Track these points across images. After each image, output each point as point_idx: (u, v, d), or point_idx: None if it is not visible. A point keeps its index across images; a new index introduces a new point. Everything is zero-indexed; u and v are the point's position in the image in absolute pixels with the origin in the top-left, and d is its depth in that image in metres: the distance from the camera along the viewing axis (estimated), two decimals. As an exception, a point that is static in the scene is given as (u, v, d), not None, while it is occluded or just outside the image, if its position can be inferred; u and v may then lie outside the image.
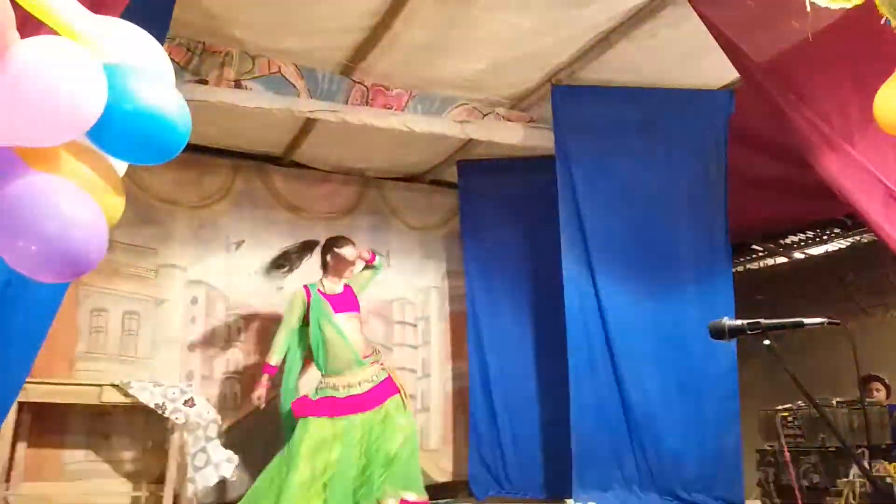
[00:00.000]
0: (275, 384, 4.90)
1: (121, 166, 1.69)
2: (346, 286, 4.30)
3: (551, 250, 4.49)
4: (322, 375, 4.09)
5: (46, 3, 1.55)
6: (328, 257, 4.27)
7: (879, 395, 4.65)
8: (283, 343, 4.13)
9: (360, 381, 3.99)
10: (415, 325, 5.58)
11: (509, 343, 5.23)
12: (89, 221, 1.44)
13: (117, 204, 1.60)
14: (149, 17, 2.23)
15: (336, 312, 4.11)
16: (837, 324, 2.02)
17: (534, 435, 5.06)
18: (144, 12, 2.28)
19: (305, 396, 4.01)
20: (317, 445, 3.74)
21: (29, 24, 1.53)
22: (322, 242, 4.44)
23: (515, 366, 5.18)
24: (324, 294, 4.17)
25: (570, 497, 4.17)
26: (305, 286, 4.23)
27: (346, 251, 4.23)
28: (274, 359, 4.10)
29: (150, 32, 1.81)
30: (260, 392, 4.08)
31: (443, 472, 5.38)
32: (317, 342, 4.07)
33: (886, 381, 4.70)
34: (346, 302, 4.22)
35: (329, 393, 3.95)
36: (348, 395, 3.92)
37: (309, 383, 4.32)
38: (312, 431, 3.78)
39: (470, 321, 5.35)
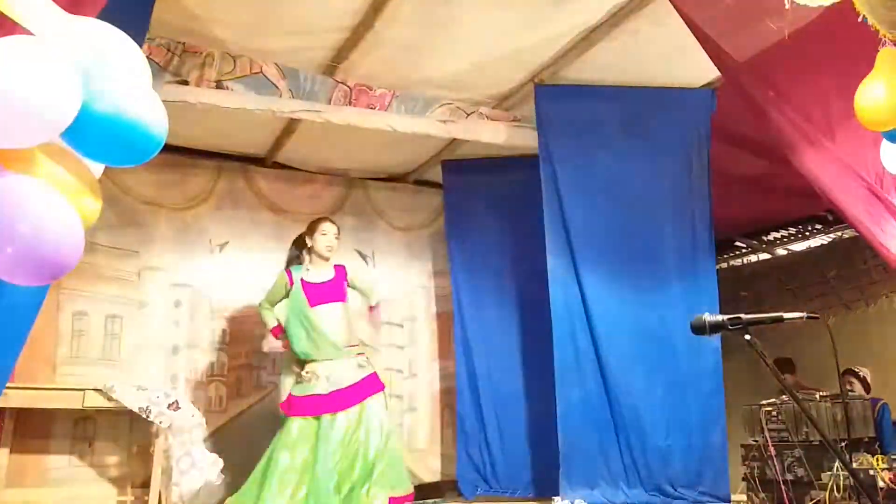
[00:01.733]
0: (263, 385, 4.92)
1: (97, 168, 1.67)
2: (339, 270, 4.09)
3: (536, 249, 4.50)
4: (299, 362, 3.90)
5: (20, 3, 1.54)
6: (308, 240, 4.09)
7: (855, 388, 4.70)
8: (272, 315, 4.04)
9: (342, 371, 3.82)
10: (401, 326, 5.57)
11: (496, 342, 5.23)
12: (64, 224, 1.43)
13: (93, 206, 1.58)
14: (127, 18, 2.21)
15: (312, 305, 3.91)
16: (816, 318, 2.04)
17: (521, 433, 5.07)
18: (122, 12, 2.25)
19: (291, 395, 3.88)
20: (295, 443, 3.65)
21: (2, 25, 1.51)
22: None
23: (502, 364, 5.19)
24: (305, 283, 3.97)
25: (557, 494, 4.18)
26: (288, 271, 4.04)
27: (319, 238, 4.04)
28: (273, 322, 4.02)
29: (128, 33, 1.79)
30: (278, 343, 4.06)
31: (431, 471, 5.37)
32: (295, 330, 3.89)
33: (861, 374, 4.75)
34: (330, 291, 4.00)
35: (311, 389, 3.78)
36: (332, 391, 3.77)
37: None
38: (293, 431, 3.68)
39: (456, 321, 5.35)
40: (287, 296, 3.99)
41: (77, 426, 4.21)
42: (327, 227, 4.08)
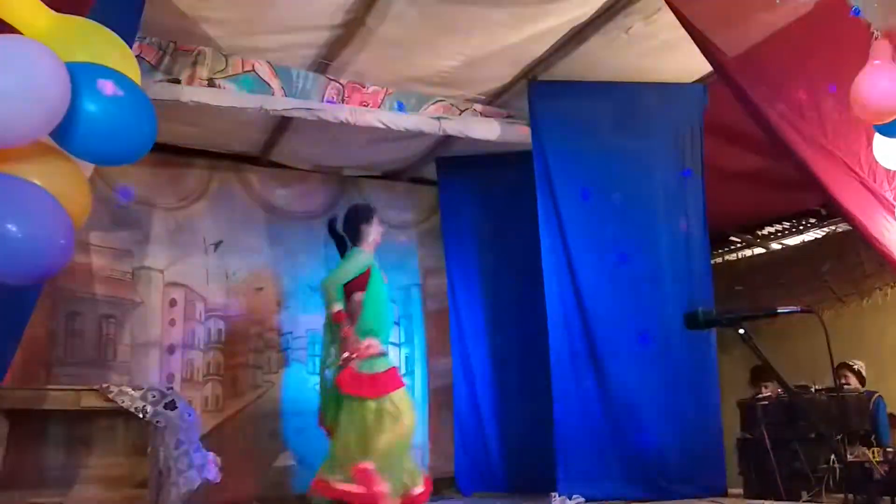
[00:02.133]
0: (259, 384, 4.90)
1: (87, 167, 1.67)
2: None
3: (531, 245, 4.50)
4: (377, 341, 3.83)
5: (10, 2, 1.53)
6: (368, 227, 3.99)
7: (850, 381, 4.72)
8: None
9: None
10: (397, 324, 5.56)
11: (491, 338, 5.23)
12: (55, 223, 1.42)
13: (83, 205, 1.58)
14: (117, 17, 2.21)
15: None
16: (811, 311, 2.05)
17: (518, 430, 5.06)
18: (112, 12, 2.25)
19: (368, 374, 3.74)
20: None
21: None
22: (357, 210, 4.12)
23: (498, 361, 5.19)
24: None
25: (554, 490, 4.19)
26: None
27: (377, 229, 4.04)
28: (340, 306, 3.82)
29: (118, 32, 1.79)
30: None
31: (427, 468, 5.37)
32: (375, 310, 3.86)
33: (856, 367, 4.76)
34: None
35: (383, 365, 3.81)
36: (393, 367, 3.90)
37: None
38: (400, 399, 3.73)
39: (452, 318, 5.35)
40: (358, 278, 3.89)
41: (73, 427, 4.18)
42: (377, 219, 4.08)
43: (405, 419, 3.68)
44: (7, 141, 1.42)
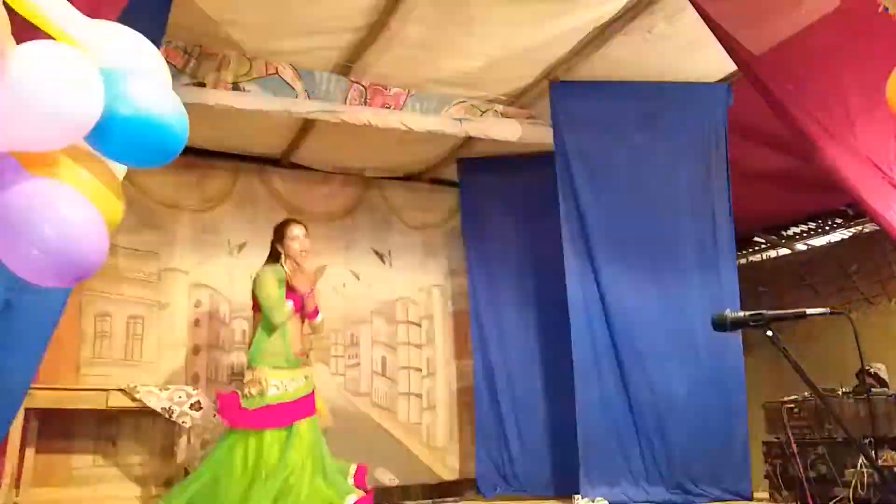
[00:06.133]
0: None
1: (120, 170, 1.69)
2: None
3: (553, 246, 4.49)
4: (266, 369, 3.51)
5: (42, 8, 1.56)
6: (281, 244, 3.74)
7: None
8: None
9: (300, 378, 3.58)
10: (419, 325, 5.57)
11: (513, 340, 5.23)
12: (89, 226, 1.45)
13: (117, 208, 1.60)
14: (145, 21, 2.25)
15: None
16: (840, 313, 2.02)
17: (540, 431, 5.05)
18: (140, 15, 2.29)
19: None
20: (266, 454, 3.33)
21: (25, 30, 1.54)
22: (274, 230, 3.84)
23: (520, 362, 5.18)
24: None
25: (577, 493, 4.17)
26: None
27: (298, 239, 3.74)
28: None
29: (146, 36, 1.81)
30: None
31: (449, 470, 5.37)
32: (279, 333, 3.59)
33: (873, 371, 4.66)
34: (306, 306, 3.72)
35: (281, 398, 3.47)
36: (297, 399, 3.51)
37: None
38: (268, 444, 3.33)
39: (473, 319, 5.35)
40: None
41: (101, 426, 4.26)
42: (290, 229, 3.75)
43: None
44: (42, 145, 1.45)
